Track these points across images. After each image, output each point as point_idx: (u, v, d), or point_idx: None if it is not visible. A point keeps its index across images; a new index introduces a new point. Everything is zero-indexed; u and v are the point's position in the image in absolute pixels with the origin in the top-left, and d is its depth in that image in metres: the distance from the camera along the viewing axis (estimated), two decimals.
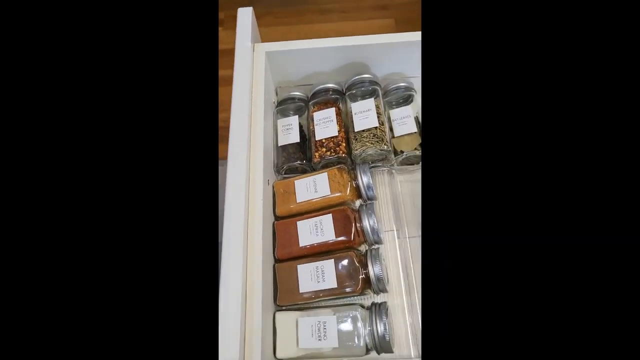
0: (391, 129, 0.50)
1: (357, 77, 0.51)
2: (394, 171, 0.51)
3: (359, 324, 0.39)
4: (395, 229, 0.48)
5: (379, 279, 0.40)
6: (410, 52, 0.53)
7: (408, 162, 0.50)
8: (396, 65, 0.56)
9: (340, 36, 1.07)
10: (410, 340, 0.42)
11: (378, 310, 0.39)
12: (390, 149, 0.46)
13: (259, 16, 1.05)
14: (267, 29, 1.40)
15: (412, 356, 0.41)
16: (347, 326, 0.39)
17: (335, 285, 0.40)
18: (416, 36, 0.52)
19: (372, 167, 0.50)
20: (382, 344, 0.38)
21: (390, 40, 0.51)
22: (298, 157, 0.49)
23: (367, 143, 0.46)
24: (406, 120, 0.49)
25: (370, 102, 0.48)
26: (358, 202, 0.46)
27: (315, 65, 0.54)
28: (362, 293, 0.41)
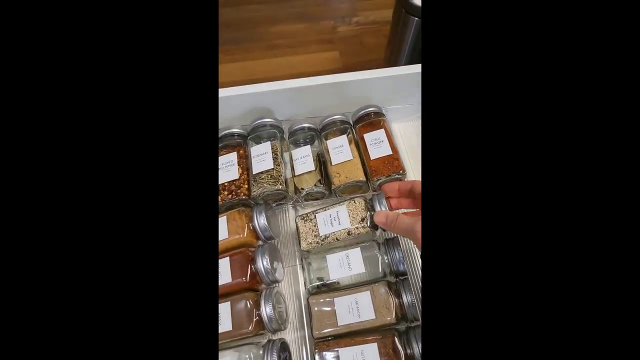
0: (293, 168, 0.52)
1: (258, 121, 0.54)
2: (298, 207, 0.54)
3: None
4: (298, 263, 0.50)
5: (270, 320, 0.41)
6: (314, 95, 0.57)
7: (311, 197, 0.53)
8: (304, 107, 0.59)
9: (290, 68, 1.10)
10: None
11: (270, 348, 0.40)
12: (284, 188, 0.49)
13: None
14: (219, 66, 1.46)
15: None
16: None
17: (231, 328, 0.41)
18: (314, 80, 0.56)
19: (278, 204, 0.53)
20: None
21: (293, 85, 0.55)
22: None
23: (264, 184, 0.48)
24: (305, 160, 0.52)
25: (266, 146, 0.50)
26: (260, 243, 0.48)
27: (227, 111, 0.57)
28: (257, 334, 0.42)
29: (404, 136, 0.63)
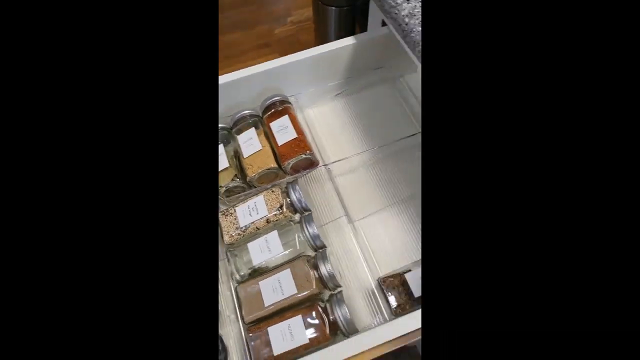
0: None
1: None
2: (222, 206, 0.55)
3: None
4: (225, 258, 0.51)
5: None
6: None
7: (233, 193, 0.54)
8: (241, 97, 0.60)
9: None
10: None
11: None
12: None
13: None
14: None
15: None
16: None
17: None
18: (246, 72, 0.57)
19: None
20: None
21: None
22: None
23: None
24: (219, 159, 0.53)
25: None
26: None
27: None
28: None
29: (321, 119, 0.65)
